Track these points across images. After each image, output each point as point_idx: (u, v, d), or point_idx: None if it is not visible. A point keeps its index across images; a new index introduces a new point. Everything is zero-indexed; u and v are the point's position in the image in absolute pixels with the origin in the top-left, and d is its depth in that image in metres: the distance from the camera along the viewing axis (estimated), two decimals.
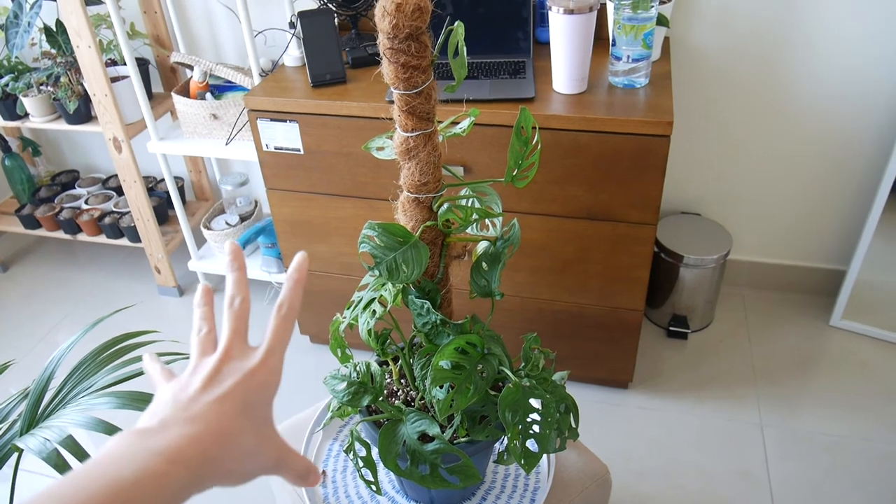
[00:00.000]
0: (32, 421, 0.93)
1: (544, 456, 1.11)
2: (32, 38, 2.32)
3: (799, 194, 2.12)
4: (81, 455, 0.88)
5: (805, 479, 1.72)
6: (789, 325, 2.18)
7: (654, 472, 1.77)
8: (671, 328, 2.14)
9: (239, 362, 0.50)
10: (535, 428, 0.83)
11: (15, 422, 0.96)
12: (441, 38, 0.80)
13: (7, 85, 2.20)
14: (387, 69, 0.80)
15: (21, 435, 0.93)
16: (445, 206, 0.88)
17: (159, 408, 0.47)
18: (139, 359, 1.06)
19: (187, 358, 1.12)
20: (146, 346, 1.12)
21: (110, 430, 0.89)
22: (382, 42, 0.77)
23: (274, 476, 0.59)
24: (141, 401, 0.94)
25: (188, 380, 0.49)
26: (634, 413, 1.93)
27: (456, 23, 0.80)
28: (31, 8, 2.08)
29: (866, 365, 2.02)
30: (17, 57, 2.28)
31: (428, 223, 0.88)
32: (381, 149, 0.95)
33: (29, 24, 2.09)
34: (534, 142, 0.87)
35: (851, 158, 2.01)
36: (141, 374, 0.99)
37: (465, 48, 0.81)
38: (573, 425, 0.90)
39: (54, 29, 2.17)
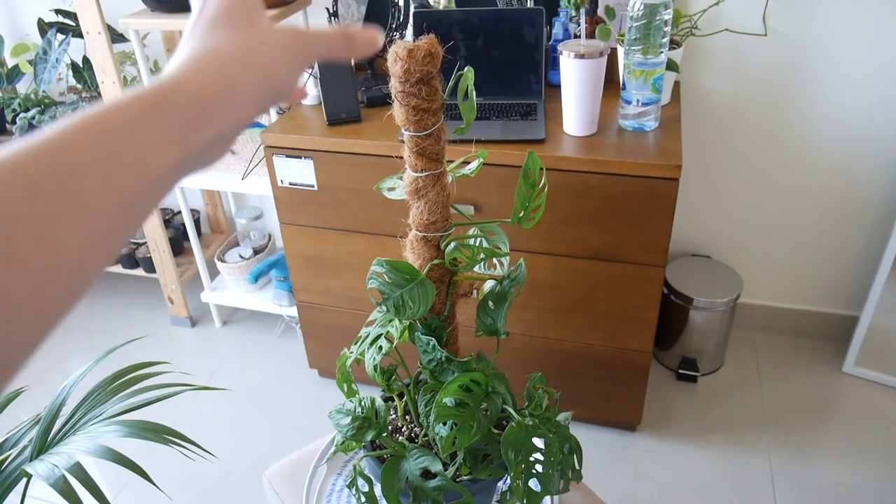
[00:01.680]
0: (42, 447, 0.95)
1: (547, 497, 1.11)
2: (60, 74, 2.39)
3: (810, 238, 2.12)
4: (88, 482, 0.89)
5: None
6: (801, 371, 2.16)
7: None
8: (681, 371, 2.13)
9: None
10: (538, 468, 0.84)
11: (25, 447, 0.97)
12: (451, 83, 0.83)
13: (34, 118, 2.26)
14: (398, 111, 0.82)
15: (31, 460, 0.94)
16: (453, 244, 0.89)
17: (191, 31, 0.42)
18: (148, 389, 1.07)
19: (198, 389, 1.13)
20: (157, 377, 1.13)
21: (119, 458, 0.90)
22: (394, 85, 0.80)
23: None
24: (149, 430, 0.95)
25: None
26: (642, 456, 1.91)
27: (466, 68, 0.83)
28: (60, 45, 2.15)
29: (880, 413, 1.99)
30: (44, 91, 2.35)
31: (435, 261, 0.89)
32: (392, 189, 0.97)
33: (57, 60, 2.16)
34: (541, 184, 0.89)
35: (863, 203, 2.02)
36: (150, 403, 1.01)
37: (474, 92, 0.83)
38: (577, 467, 0.90)
39: (81, 65, 2.23)
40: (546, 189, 0.90)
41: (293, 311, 2.28)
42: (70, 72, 2.27)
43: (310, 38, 0.45)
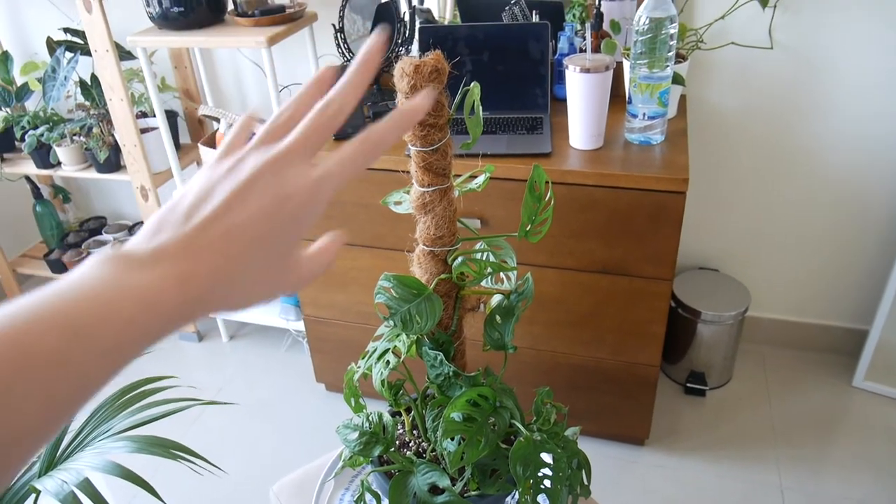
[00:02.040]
0: (51, 463, 0.95)
1: None
2: (68, 91, 2.41)
3: (819, 251, 2.12)
4: (96, 497, 0.89)
5: None
6: (810, 385, 2.15)
7: None
8: (689, 385, 2.12)
9: (280, 177, 0.39)
10: (547, 483, 0.83)
11: (34, 463, 0.97)
12: (458, 98, 0.83)
13: (42, 135, 2.28)
14: None
15: (39, 476, 0.94)
16: (460, 259, 0.89)
17: (166, 220, 0.39)
18: (157, 403, 1.07)
19: (205, 403, 1.13)
20: (164, 392, 1.13)
21: (127, 473, 0.90)
22: (400, 101, 0.80)
23: None
24: (157, 445, 0.95)
25: (217, 177, 0.40)
26: (650, 471, 1.89)
27: (472, 83, 0.83)
28: (68, 63, 2.18)
29: (890, 428, 1.98)
30: (52, 109, 2.37)
31: (442, 276, 0.90)
32: (398, 203, 0.97)
33: (65, 77, 2.18)
34: (547, 198, 0.89)
35: (872, 215, 2.01)
36: (158, 418, 1.01)
37: (480, 107, 0.83)
38: (585, 482, 0.89)
39: (89, 83, 2.26)
40: (552, 202, 0.90)
41: (300, 326, 2.29)
42: (78, 89, 2.29)
43: (304, 277, 0.43)
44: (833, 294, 2.18)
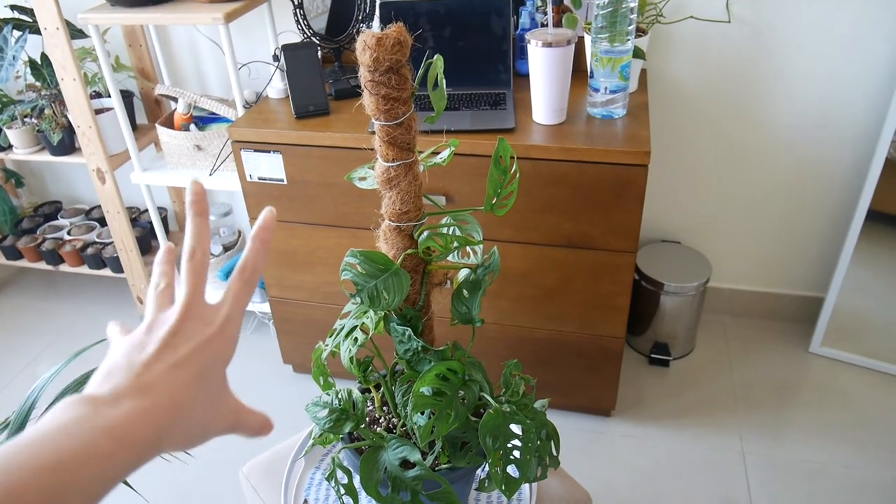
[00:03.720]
0: None
1: (526, 484, 1.11)
2: (17, 71, 2.33)
3: (776, 222, 2.16)
4: None
5: None
6: (770, 353, 2.20)
7: (636, 501, 1.77)
8: (653, 356, 2.16)
9: (196, 325, 0.47)
10: (516, 454, 0.84)
11: None
12: (421, 71, 0.83)
13: None
14: (368, 101, 0.82)
15: None
16: (426, 234, 0.89)
17: (113, 369, 0.44)
18: None
19: None
20: None
21: None
22: (364, 75, 0.79)
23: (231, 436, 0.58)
24: None
25: (144, 338, 0.46)
26: (617, 441, 1.93)
27: (435, 56, 0.82)
28: (17, 41, 2.10)
29: (846, 392, 2.04)
30: (1, 89, 2.29)
31: (409, 251, 0.89)
32: (363, 179, 0.97)
33: (14, 57, 2.11)
34: (512, 171, 0.89)
35: (827, 186, 2.06)
36: None
37: (444, 81, 0.83)
38: (554, 453, 0.91)
39: (39, 62, 2.18)
40: (518, 175, 0.90)
41: (266, 308, 2.26)
42: (28, 69, 2.21)
43: (243, 421, 0.51)
44: (790, 264, 2.23)
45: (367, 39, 0.76)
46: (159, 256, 0.53)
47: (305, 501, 1.10)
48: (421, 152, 0.92)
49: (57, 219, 2.69)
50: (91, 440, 0.39)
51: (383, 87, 0.79)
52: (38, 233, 2.60)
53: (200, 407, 0.46)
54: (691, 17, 1.86)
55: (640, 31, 1.74)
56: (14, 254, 2.54)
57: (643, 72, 1.82)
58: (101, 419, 0.40)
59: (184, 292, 0.48)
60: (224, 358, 0.48)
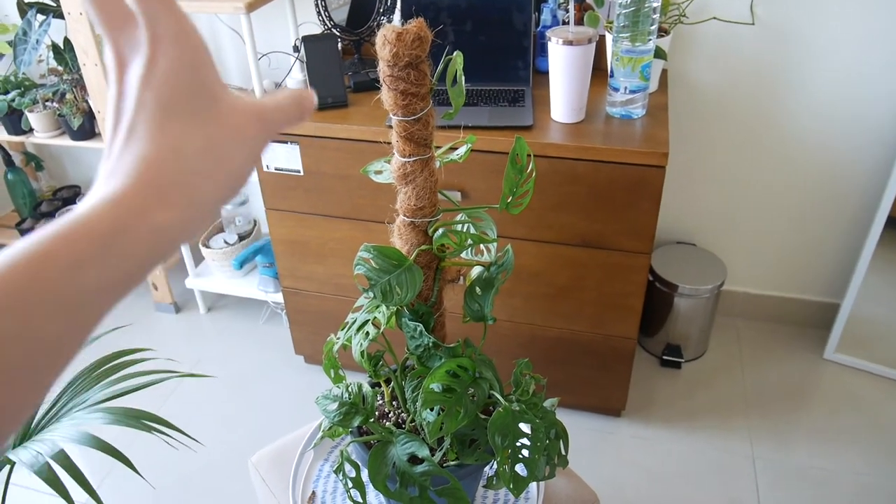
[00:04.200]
0: (26, 434, 0.94)
1: (534, 482, 1.11)
2: (40, 56, 2.35)
3: (793, 227, 2.14)
4: (72, 469, 0.88)
5: None
6: (783, 357, 2.18)
7: (644, 502, 1.76)
8: (665, 357, 2.15)
9: (135, 74, 0.36)
10: (525, 452, 0.84)
11: None
12: (440, 67, 0.82)
13: (14, 100, 2.23)
14: (386, 95, 0.81)
15: (14, 448, 0.93)
16: (441, 230, 0.89)
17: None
18: (132, 376, 1.06)
19: (182, 376, 1.12)
20: (141, 364, 1.12)
21: (102, 445, 0.89)
22: (382, 69, 0.79)
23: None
24: (133, 417, 0.95)
25: (108, 146, 0.36)
26: (627, 441, 1.93)
27: (455, 52, 0.82)
28: (40, 26, 2.12)
29: (859, 399, 2.02)
30: (24, 73, 2.31)
31: (423, 247, 0.89)
32: (379, 172, 0.97)
33: (37, 41, 2.12)
34: (528, 170, 0.89)
35: (846, 192, 2.04)
36: (134, 390, 1.00)
37: (463, 77, 0.83)
38: (563, 452, 0.90)
39: (62, 46, 2.20)
40: (534, 174, 0.90)
41: (279, 298, 2.28)
42: (51, 53, 2.23)
43: (270, 115, 0.39)
44: (806, 269, 2.21)
45: (388, 34, 0.76)
46: None
47: (313, 493, 1.11)
48: (438, 148, 0.92)
49: (75, 203, 2.71)
50: (82, 248, 0.31)
51: (402, 83, 0.79)
52: (56, 216, 2.62)
53: (193, 139, 0.36)
54: (714, 18, 1.85)
55: (663, 31, 1.73)
56: None
57: (664, 72, 1.80)
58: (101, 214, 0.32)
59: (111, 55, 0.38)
60: (194, 73, 0.37)
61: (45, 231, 0.31)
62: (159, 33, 0.36)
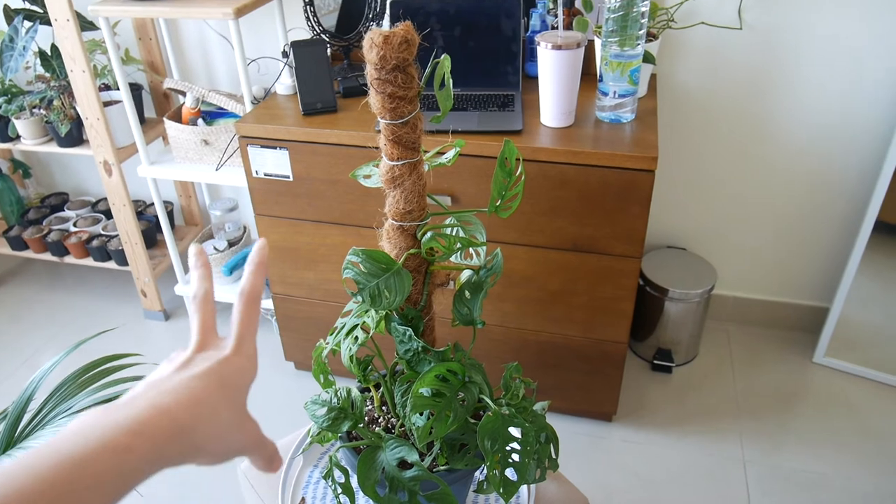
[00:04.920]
0: (10, 442, 0.92)
1: (524, 486, 1.11)
2: (27, 62, 2.34)
3: (783, 231, 2.15)
4: None
5: None
6: (773, 361, 2.19)
7: None
8: (656, 361, 2.15)
9: (212, 352, 0.50)
10: (515, 457, 0.83)
11: None
12: (428, 70, 0.82)
13: (0, 107, 2.21)
14: (374, 99, 0.81)
15: None
16: (429, 234, 0.89)
17: (133, 392, 0.45)
18: (120, 381, 1.05)
19: None
20: (127, 369, 1.11)
21: None
22: (370, 73, 0.79)
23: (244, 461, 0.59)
24: None
25: (162, 370, 0.49)
26: (618, 446, 1.92)
27: (443, 55, 0.82)
28: (27, 32, 2.11)
29: (849, 403, 2.03)
30: (11, 80, 2.29)
31: (411, 251, 0.89)
32: (367, 177, 0.96)
33: (24, 47, 2.11)
34: (517, 173, 0.89)
35: (835, 196, 2.05)
36: (121, 395, 0.99)
37: (451, 80, 0.82)
38: (553, 456, 0.90)
39: (49, 53, 2.19)
40: (523, 178, 0.90)
41: (269, 304, 2.27)
42: (38, 60, 2.22)
43: (259, 448, 0.52)
44: (796, 272, 2.22)
45: (375, 37, 0.76)
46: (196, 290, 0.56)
47: (303, 500, 1.10)
48: (426, 152, 0.91)
49: (63, 210, 2.70)
50: (103, 435, 0.38)
51: (389, 86, 0.78)
52: (44, 224, 2.61)
53: (224, 412, 0.47)
54: (702, 22, 1.86)
55: (651, 36, 1.73)
56: (20, 244, 2.54)
57: (653, 76, 1.81)
58: (116, 416, 0.40)
59: (196, 328, 0.52)
60: (246, 374, 0.51)
61: (94, 435, 0.39)
62: (243, 347, 0.51)
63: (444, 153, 0.95)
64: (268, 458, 0.53)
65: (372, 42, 0.76)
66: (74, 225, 2.58)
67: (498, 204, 0.89)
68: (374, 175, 0.94)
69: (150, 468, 0.40)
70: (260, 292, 0.55)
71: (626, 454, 1.90)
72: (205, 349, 0.51)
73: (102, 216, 2.62)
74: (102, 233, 2.53)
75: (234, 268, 2.26)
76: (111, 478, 0.38)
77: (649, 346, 2.18)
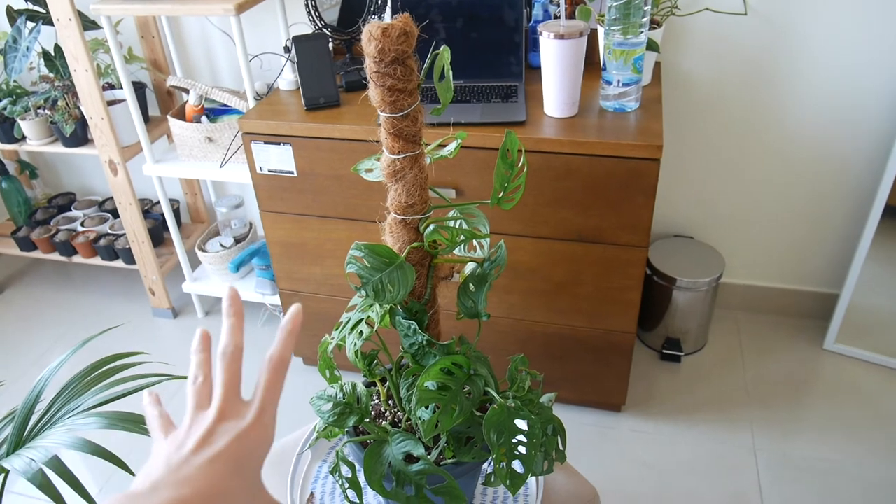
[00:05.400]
0: (19, 441, 0.93)
1: (533, 479, 1.11)
2: (31, 63, 2.34)
3: (791, 218, 2.13)
4: (66, 475, 0.87)
5: None
6: (783, 349, 2.18)
7: (646, 497, 1.76)
8: (664, 351, 2.14)
9: (233, 422, 0.50)
10: (521, 449, 0.83)
11: (2, 444, 0.96)
12: (427, 63, 0.82)
13: (5, 108, 2.22)
14: (373, 92, 0.81)
15: (7, 456, 0.92)
16: (432, 227, 0.88)
17: (153, 469, 0.47)
18: (127, 379, 1.06)
19: (176, 378, 1.12)
20: (135, 367, 1.12)
21: (96, 450, 0.88)
22: (369, 66, 0.79)
23: None
24: (128, 421, 0.94)
25: (183, 438, 0.49)
26: (627, 436, 1.92)
27: (442, 47, 0.81)
28: (30, 33, 2.11)
29: (860, 389, 2.01)
30: (15, 81, 2.30)
31: (414, 244, 0.89)
32: (369, 170, 0.96)
33: (28, 48, 2.12)
34: (519, 164, 0.88)
35: (843, 182, 2.03)
36: (128, 394, 0.99)
37: (450, 72, 0.82)
38: (560, 448, 0.90)
39: (52, 53, 2.19)
40: (525, 169, 0.89)
41: (276, 300, 2.27)
42: (42, 60, 2.22)
43: None
44: (805, 260, 2.20)
45: (373, 30, 0.75)
46: (195, 345, 0.56)
47: (312, 495, 1.10)
48: (428, 144, 0.91)
49: (70, 210, 2.71)
50: None
51: (389, 79, 0.78)
52: (51, 224, 2.62)
53: (238, 497, 0.48)
54: (707, 9, 1.84)
55: (655, 24, 1.72)
56: (28, 245, 2.56)
57: (657, 64, 1.79)
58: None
59: (219, 391, 0.52)
60: (262, 448, 0.51)
61: None
62: (265, 417, 0.51)
63: (445, 145, 0.95)
64: None
65: (370, 35, 0.76)
66: (82, 224, 2.59)
67: (501, 196, 0.88)
68: (376, 169, 0.93)
69: None
70: (288, 360, 0.54)
71: (636, 444, 1.89)
72: (225, 418, 0.50)
73: (109, 215, 2.63)
74: (110, 232, 2.53)
75: (241, 264, 2.27)
76: None
77: (658, 336, 2.17)
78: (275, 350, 0.54)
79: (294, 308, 0.56)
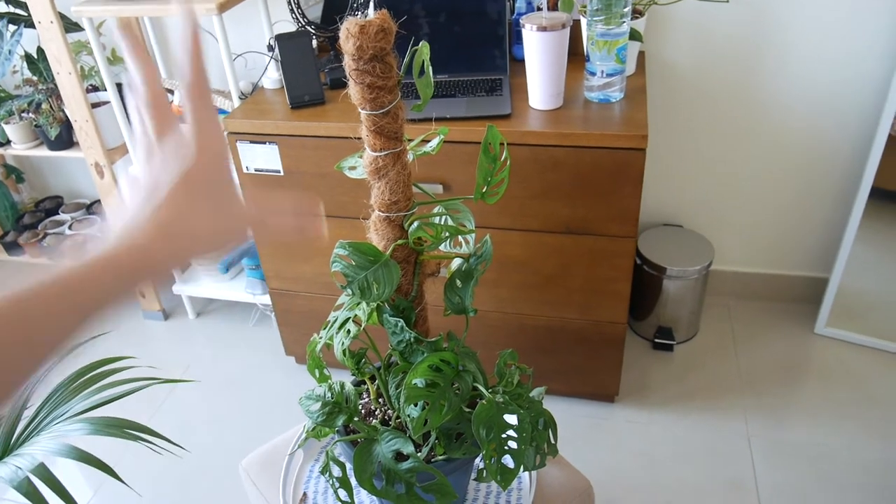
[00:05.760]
0: (6, 449, 0.92)
1: (526, 473, 1.11)
2: (14, 66, 2.33)
3: (779, 203, 2.14)
4: (53, 483, 0.87)
5: (793, 489, 1.72)
6: (774, 334, 2.19)
7: (642, 486, 1.76)
8: (656, 340, 2.15)
9: (170, 160, 0.49)
10: (511, 444, 0.83)
11: None
12: (406, 59, 0.81)
13: None
14: (353, 90, 0.80)
15: None
16: (416, 224, 0.88)
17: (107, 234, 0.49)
18: (115, 384, 1.05)
19: (164, 382, 1.11)
20: (122, 372, 1.11)
21: (84, 456, 0.88)
22: (348, 63, 0.78)
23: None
24: (115, 427, 0.94)
25: (131, 200, 0.50)
26: (622, 426, 1.92)
27: (421, 43, 0.81)
28: (12, 36, 2.09)
29: (851, 372, 2.02)
30: None
31: (399, 242, 0.88)
32: (353, 168, 0.96)
33: (10, 51, 2.10)
34: (502, 158, 0.88)
35: (829, 167, 2.03)
36: (116, 399, 0.99)
37: (430, 68, 0.81)
38: (552, 441, 0.90)
39: (35, 56, 2.17)
40: (508, 163, 0.89)
41: (267, 300, 2.26)
42: (25, 63, 2.20)
43: (269, 224, 0.54)
44: (793, 244, 2.21)
45: (350, 27, 0.75)
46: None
47: (304, 494, 1.10)
48: (411, 140, 0.91)
49: (58, 213, 2.69)
50: (63, 268, 0.43)
51: (368, 76, 0.77)
52: (39, 228, 2.60)
53: (204, 220, 0.48)
54: None
55: (637, 13, 1.72)
56: (16, 249, 2.54)
57: (641, 54, 1.79)
58: (82, 255, 0.45)
59: (144, 134, 0.50)
60: (215, 169, 0.50)
61: (83, 259, 0.45)
62: (205, 141, 0.50)
63: (428, 141, 0.94)
64: (293, 230, 0.54)
65: (348, 32, 0.75)
66: (70, 228, 2.57)
67: (484, 190, 0.88)
68: (359, 166, 0.93)
69: (137, 276, 0.46)
70: (204, 79, 0.50)
71: (630, 434, 1.90)
72: (159, 159, 0.49)
73: (98, 218, 2.62)
74: (98, 235, 2.52)
75: (231, 265, 2.26)
76: (69, 302, 0.43)
77: (649, 325, 2.17)
78: (186, 75, 0.50)
79: (186, 17, 0.50)
